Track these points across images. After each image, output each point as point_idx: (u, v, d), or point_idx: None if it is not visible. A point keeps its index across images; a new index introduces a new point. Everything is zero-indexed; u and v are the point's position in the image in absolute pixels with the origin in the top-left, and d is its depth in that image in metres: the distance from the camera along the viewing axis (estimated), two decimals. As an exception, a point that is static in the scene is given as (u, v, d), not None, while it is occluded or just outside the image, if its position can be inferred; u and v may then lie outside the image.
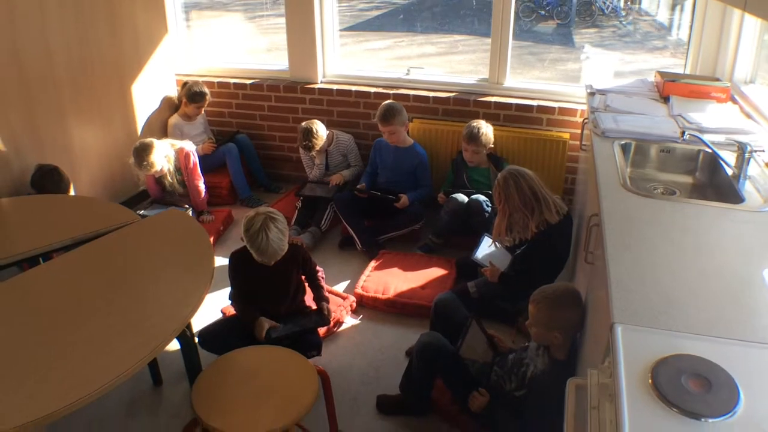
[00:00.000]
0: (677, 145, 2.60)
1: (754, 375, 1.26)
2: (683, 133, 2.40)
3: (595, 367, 1.50)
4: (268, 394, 1.83)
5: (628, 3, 9.59)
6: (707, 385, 1.22)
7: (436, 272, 3.34)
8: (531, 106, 3.81)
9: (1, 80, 3.15)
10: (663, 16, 8.55)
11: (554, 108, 3.78)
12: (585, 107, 3.57)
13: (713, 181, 2.48)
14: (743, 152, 2.22)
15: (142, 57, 4.09)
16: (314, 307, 2.82)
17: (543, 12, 9.53)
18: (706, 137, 2.46)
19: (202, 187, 3.93)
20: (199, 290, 1.95)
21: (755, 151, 2.31)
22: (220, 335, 2.70)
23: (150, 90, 4.18)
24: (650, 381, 1.23)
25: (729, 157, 2.35)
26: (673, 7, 7.77)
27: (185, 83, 4.25)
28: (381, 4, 11.42)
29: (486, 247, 3.19)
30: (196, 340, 2.38)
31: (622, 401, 1.19)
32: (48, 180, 3.22)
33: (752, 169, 2.28)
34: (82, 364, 1.66)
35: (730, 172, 2.31)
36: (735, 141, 2.29)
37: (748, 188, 2.19)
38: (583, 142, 3.21)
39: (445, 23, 9.96)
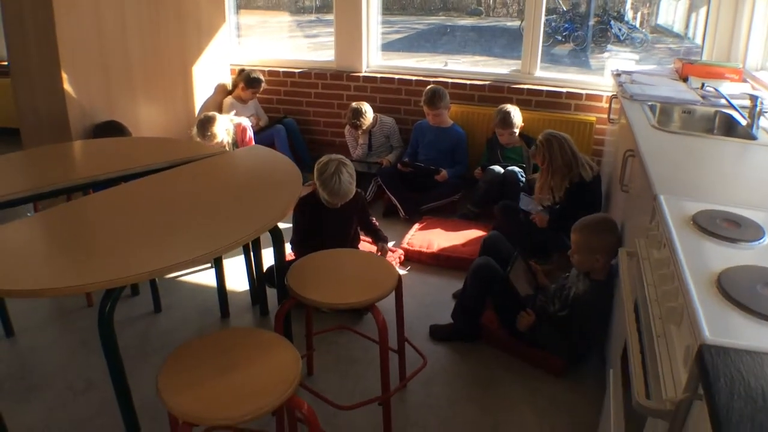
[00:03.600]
0: (697, 107, 2.94)
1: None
2: (703, 85, 2.73)
3: (641, 237, 1.81)
4: (354, 279, 2.13)
5: (644, 24, 9.97)
6: (737, 225, 1.54)
7: (475, 233, 3.65)
8: (560, 93, 4.18)
9: (86, 51, 3.55)
10: (679, 26, 8.70)
11: (582, 94, 4.14)
12: (610, 93, 3.93)
13: (729, 136, 2.81)
14: (755, 104, 2.55)
15: (203, 43, 4.49)
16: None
17: (560, 37, 9.99)
18: (722, 101, 2.80)
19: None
20: (294, 194, 2.28)
21: (765, 112, 2.65)
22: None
23: (208, 74, 4.57)
24: (692, 222, 1.54)
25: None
26: (688, 18, 7.88)
27: (242, 70, 4.64)
28: (401, 29, 11.97)
29: (525, 203, 3.49)
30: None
31: (672, 234, 1.50)
32: (109, 129, 3.52)
33: (763, 122, 2.61)
34: (200, 235, 1.99)
35: (744, 122, 2.63)
36: (748, 95, 2.62)
37: (761, 133, 2.52)
38: (611, 116, 3.55)
39: (466, 46, 10.48)
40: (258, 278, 3.02)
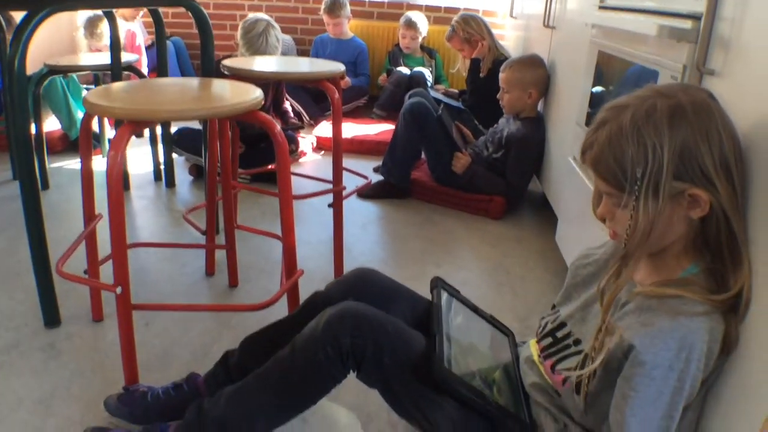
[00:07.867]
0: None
1: None
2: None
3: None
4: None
5: None
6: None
7: (386, 126, 3.61)
8: (457, 9, 4.28)
9: None
10: None
11: (478, 10, 4.26)
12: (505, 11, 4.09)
13: None
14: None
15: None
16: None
17: None
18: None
19: (144, 70, 3.94)
20: None
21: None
22: (190, 137, 2.84)
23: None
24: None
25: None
26: None
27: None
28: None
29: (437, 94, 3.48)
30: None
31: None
32: None
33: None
34: None
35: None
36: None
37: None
38: (513, 11, 3.67)
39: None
40: (168, 149, 2.77)
